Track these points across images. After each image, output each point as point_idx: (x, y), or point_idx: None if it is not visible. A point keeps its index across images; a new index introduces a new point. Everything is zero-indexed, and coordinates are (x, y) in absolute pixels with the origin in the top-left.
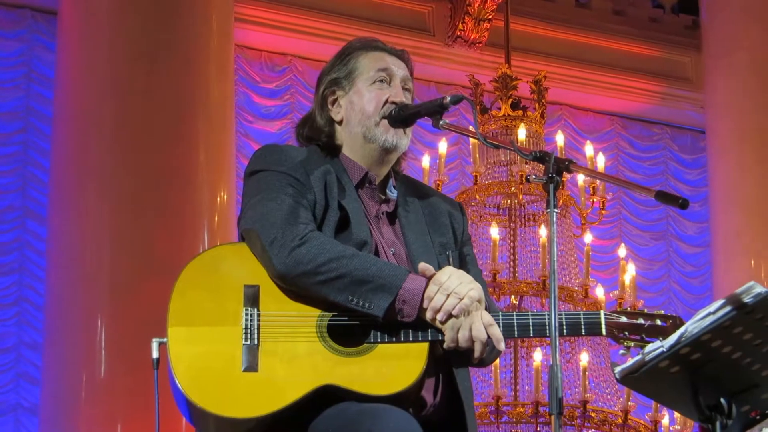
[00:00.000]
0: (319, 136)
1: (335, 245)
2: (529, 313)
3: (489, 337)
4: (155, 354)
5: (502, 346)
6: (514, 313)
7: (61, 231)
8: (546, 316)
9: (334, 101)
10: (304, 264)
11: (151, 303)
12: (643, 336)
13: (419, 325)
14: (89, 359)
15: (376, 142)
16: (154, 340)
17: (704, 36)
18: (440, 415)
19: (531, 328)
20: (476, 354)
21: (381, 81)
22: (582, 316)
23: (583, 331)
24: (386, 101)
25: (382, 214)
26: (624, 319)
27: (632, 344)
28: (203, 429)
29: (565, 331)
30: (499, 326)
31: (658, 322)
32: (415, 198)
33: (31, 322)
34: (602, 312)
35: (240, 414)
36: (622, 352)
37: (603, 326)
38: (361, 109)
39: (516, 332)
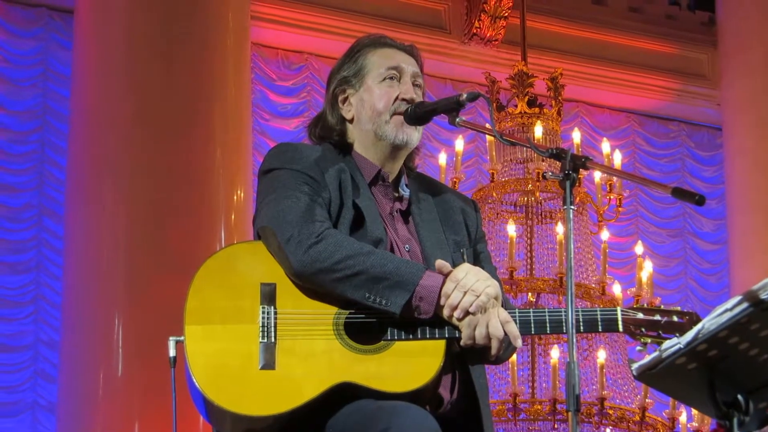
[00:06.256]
0: (330, 134)
1: (352, 242)
2: (546, 310)
3: (506, 334)
4: (172, 352)
5: (519, 343)
6: (531, 310)
7: (78, 229)
8: (563, 313)
9: (345, 100)
10: (321, 261)
11: (168, 301)
12: (660, 332)
13: (436, 323)
14: (106, 357)
15: (387, 139)
16: (170, 338)
17: (720, 33)
18: (457, 411)
19: (548, 325)
20: (493, 351)
21: (391, 78)
22: (599, 313)
23: (600, 327)
24: (397, 98)
25: (396, 211)
26: (641, 315)
27: (649, 341)
28: (220, 427)
29: (582, 327)
30: (516, 323)
31: (675, 319)
32: (429, 195)
33: (48, 321)
34: (619, 308)
35: (257, 412)
36: (639, 348)
37: (620, 323)
38: (371, 106)
39: (533, 329)
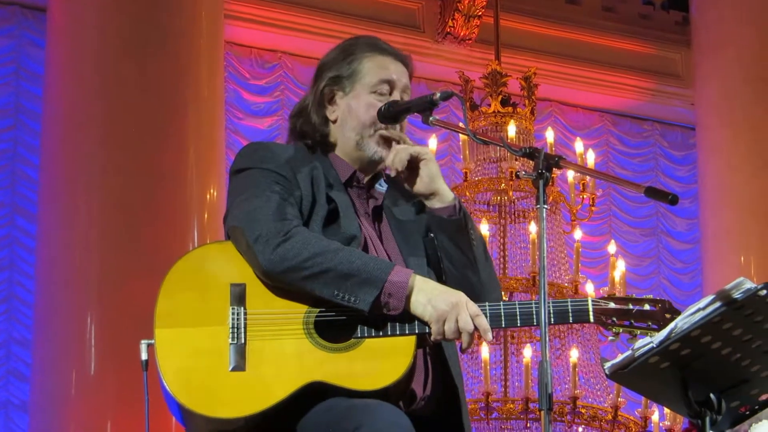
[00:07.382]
0: (312, 133)
1: (320, 240)
2: (516, 303)
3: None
4: (144, 356)
5: (489, 336)
6: (501, 303)
7: (50, 228)
8: (533, 305)
9: (332, 99)
10: (289, 259)
11: (141, 300)
12: (632, 321)
13: (405, 318)
14: (79, 356)
15: (366, 152)
16: (142, 342)
17: (694, 32)
18: (431, 407)
19: (518, 317)
20: (464, 346)
21: (381, 93)
22: (569, 304)
23: (570, 318)
24: None
25: (371, 209)
26: (612, 305)
27: (620, 330)
28: (193, 429)
29: (552, 319)
30: (486, 317)
31: (647, 307)
32: (403, 191)
33: (20, 319)
34: (590, 299)
35: (228, 414)
36: (610, 338)
37: (591, 313)
38: (357, 116)
39: (503, 322)
